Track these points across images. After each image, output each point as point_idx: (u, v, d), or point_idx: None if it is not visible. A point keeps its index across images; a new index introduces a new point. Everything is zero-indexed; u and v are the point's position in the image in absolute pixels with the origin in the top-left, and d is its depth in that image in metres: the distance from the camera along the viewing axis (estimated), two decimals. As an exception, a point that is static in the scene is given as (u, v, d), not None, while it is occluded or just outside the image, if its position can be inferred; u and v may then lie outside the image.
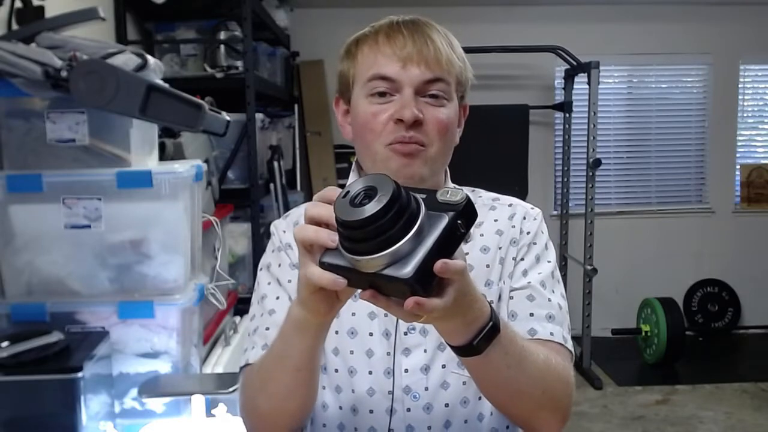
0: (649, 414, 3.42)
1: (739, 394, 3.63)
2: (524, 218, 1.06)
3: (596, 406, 3.49)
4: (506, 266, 1.02)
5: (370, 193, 0.65)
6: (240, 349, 1.17)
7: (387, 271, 0.65)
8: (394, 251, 0.64)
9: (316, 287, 0.72)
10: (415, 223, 0.65)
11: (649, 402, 3.56)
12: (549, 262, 1.04)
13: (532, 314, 0.98)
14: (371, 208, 0.64)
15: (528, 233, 1.04)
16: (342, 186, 0.71)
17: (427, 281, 0.66)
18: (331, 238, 0.70)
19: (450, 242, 0.66)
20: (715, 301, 4.62)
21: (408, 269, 0.64)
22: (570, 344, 0.98)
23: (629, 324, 4.25)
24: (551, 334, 0.96)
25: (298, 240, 0.72)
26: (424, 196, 0.68)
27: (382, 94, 0.96)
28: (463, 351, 0.79)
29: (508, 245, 1.03)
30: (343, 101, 1.05)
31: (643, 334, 4.10)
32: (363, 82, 0.98)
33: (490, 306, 0.79)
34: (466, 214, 0.67)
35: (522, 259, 1.02)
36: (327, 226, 0.71)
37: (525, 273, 1.01)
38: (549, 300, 0.99)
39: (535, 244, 1.04)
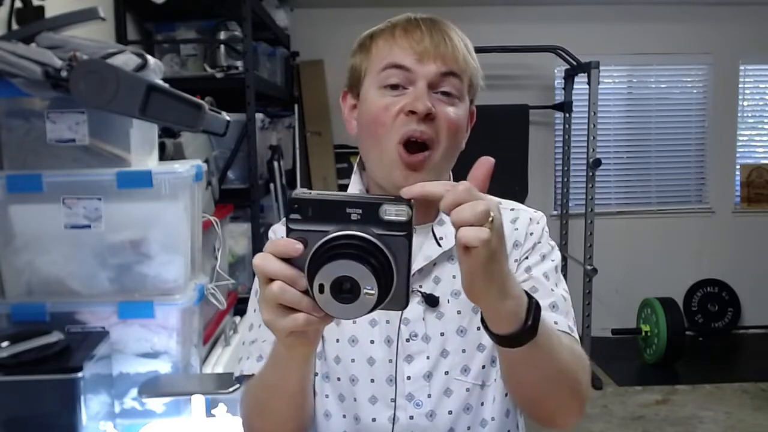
0: (649, 414, 3.42)
1: (739, 394, 3.63)
2: (529, 221, 1.04)
3: (596, 406, 3.49)
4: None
5: (350, 285, 0.63)
6: (240, 349, 1.17)
7: (380, 308, 0.66)
8: (384, 305, 0.65)
9: (289, 332, 0.69)
10: (394, 272, 0.64)
11: (649, 402, 3.56)
12: (553, 260, 1.02)
13: None
14: (366, 303, 0.63)
15: (531, 234, 1.03)
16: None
17: (409, 292, 0.68)
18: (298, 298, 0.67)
19: (411, 254, 0.66)
20: (715, 301, 4.62)
21: (401, 303, 0.66)
22: (576, 334, 0.97)
23: (629, 324, 4.26)
24: (555, 323, 0.93)
25: (260, 281, 0.68)
26: (360, 211, 0.65)
27: (394, 87, 0.94)
28: (520, 335, 0.76)
29: (512, 248, 1.02)
30: (352, 95, 1.02)
31: (643, 334, 4.10)
32: (376, 72, 0.95)
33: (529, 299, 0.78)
34: (412, 226, 0.66)
35: (526, 258, 1.01)
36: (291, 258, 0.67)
37: (528, 269, 1.00)
38: (552, 290, 0.98)
39: (539, 243, 1.02)
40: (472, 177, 0.72)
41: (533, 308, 0.76)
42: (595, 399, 3.58)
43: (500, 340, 0.77)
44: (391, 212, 0.65)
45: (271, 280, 0.66)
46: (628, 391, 3.70)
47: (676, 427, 3.28)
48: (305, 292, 0.66)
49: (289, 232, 0.66)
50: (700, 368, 4.03)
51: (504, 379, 0.94)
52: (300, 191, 0.67)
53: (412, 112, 0.92)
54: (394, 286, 0.64)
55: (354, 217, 0.65)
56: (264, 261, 0.67)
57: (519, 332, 0.76)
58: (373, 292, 0.63)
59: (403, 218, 0.65)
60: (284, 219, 1.10)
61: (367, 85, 0.97)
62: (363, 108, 0.98)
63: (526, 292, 0.78)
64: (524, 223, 1.04)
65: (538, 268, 1.00)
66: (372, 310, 0.64)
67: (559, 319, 0.95)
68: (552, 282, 0.99)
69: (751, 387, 3.70)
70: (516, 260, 1.01)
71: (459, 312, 0.98)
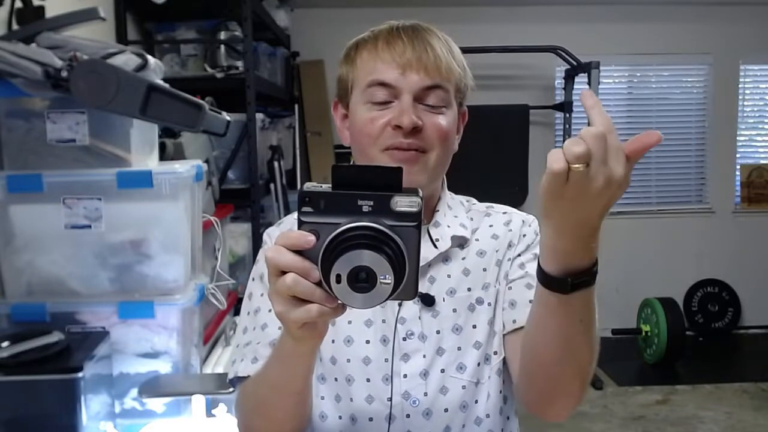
0: (649, 414, 3.42)
1: (739, 394, 3.63)
2: (522, 223, 1.06)
3: (596, 406, 3.49)
4: (503, 267, 1.02)
5: (366, 275, 0.64)
6: (233, 351, 1.17)
7: (392, 298, 0.66)
8: (397, 294, 0.66)
9: (302, 323, 0.70)
10: (406, 261, 0.65)
11: (650, 402, 3.56)
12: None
13: (531, 301, 0.91)
14: (382, 291, 0.64)
15: (524, 236, 1.04)
16: None
17: (418, 282, 0.68)
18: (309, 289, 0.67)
19: (420, 245, 0.68)
20: (715, 301, 4.62)
21: (411, 293, 0.67)
22: None
23: (629, 324, 4.25)
24: None
25: (272, 274, 0.68)
26: (371, 203, 0.66)
27: (380, 101, 0.96)
28: (588, 273, 0.76)
29: (506, 248, 1.03)
30: (342, 106, 1.04)
31: (644, 334, 4.10)
32: (362, 88, 0.97)
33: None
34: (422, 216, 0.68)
35: (519, 255, 1.02)
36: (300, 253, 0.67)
37: (522, 266, 1.01)
38: None
39: (531, 244, 1.04)
40: (633, 140, 0.74)
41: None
42: (595, 399, 3.58)
43: (567, 277, 0.75)
44: (403, 203, 0.66)
45: (284, 272, 0.67)
46: (628, 391, 3.70)
47: (676, 427, 3.28)
48: (317, 284, 0.66)
49: (301, 224, 0.67)
50: (700, 368, 4.03)
51: (527, 332, 0.88)
52: (311, 185, 0.68)
53: (399, 127, 0.94)
54: (406, 275, 0.65)
55: (365, 208, 0.66)
56: (277, 253, 0.67)
57: (589, 268, 0.75)
58: (388, 281, 0.64)
59: (414, 209, 0.66)
60: (278, 222, 1.11)
61: (355, 99, 0.99)
62: (352, 120, 1.00)
63: None
64: (517, 225, 1.06)
65: (531, 265, 1.00)
66: (387, 299, 0.65)
67: None
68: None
69: (751, 387, 3.70)
70: (509, 259, 1.02)
71: (455, 310, 0.99)
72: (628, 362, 4.14)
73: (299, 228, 0.67)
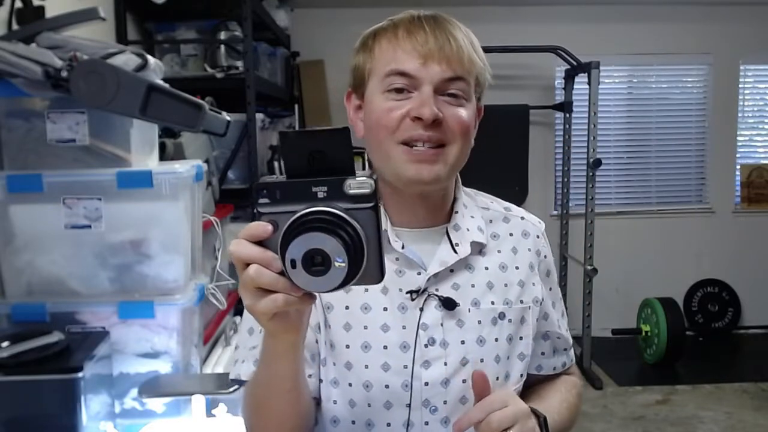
0: (649, 414, 3.42)
1: (739, 394, 3.63)
2: (537, 237, 1.08)
3: (596, 406, 3.49)
4: (528, 290, 1.03)
5: (321, 258, 0.64)
6: (236, 351, 1.17)
7: (354, 283, 0.67)
8: (358, 278, 0.66)
9: (271, 314, 0.70)
10: (363, 244, 0.66)
11: (650, 402, 3.56)
12: (556, 284, 1.12)
13: (555, 351, 1.12)
14: (338, 274, 0.65)
15: (545, 257, 1.08)
16: None
17: (383, 266, 0.68)
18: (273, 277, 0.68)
19: (380, 227, 0.68)
20: (715, 301, 4.62)
21: (376, 277, 0.67)
22: (574, 357, 1.15)
23: (629, 324, 4.26)
24: (563, 365, 1.13)
25: (237, 267, 0.69)
26: (325, 189, 0.66)
27: (399, 91, 0.93)
28: None
29: (528, 270, 1.04)
30: (356, 96, 1.01)
31: (644, 334, 4.10)
32: (380, 77, 0.94)
33: (537, 418, 0.91)
34: (378, 196, 0.68)
35: (538, 277, 1.07)
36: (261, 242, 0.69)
37: (548, 314, 1.08)
38: (567, 339, 1.13)
39: (546, 258, 1.09)
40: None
41: None
42: (595, 399, 3.58)
43: None
44: (355, 186, 0.67)
45: (248, 265, 0.68)
46: (628, 391, 3.70)
47: (676, 427, 3.28)
48: (282, 274, 0.67)
49: (259, 216, 0.68)
50: (700, 368, 4.03)
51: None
52: (265, 177, 0.69)
53: (418, 119, 0.91)
54: (365, 258, 0.66)
55: (320, 195, 0.67)
56: (239, 246, 0.68)
57: None
58: (343, 263, 0.64)
59: (367, 190, 0.66)
60: None
61: (372, 88, 0.96)
62: (368, 110, 0.97)
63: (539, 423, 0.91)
64: (534, 239, 1.07)
65: (558, 307, 1.10)
66: (345, 283, 0.66)
67: (567, 358, 1.13)
68: (564, 317, 1.13)
69: (751, 387, 3.70)
70: (533, 283, 1.05)
71: (479, 322, 0.98)
72: (628, 362, 4.14)
73: (257, 219, 0.68)
